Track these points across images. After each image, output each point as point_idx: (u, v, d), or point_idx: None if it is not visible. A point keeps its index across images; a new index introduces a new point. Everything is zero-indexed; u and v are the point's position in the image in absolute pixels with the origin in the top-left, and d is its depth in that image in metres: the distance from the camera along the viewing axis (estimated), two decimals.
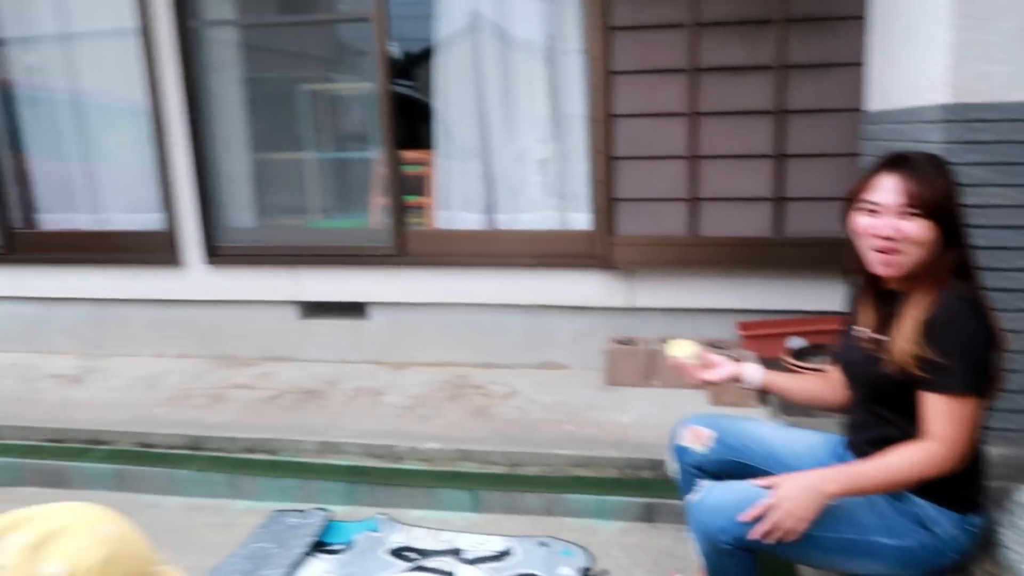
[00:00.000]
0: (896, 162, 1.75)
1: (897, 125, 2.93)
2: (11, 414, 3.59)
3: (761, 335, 3.55)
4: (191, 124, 4.07)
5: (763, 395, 2.14)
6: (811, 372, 2.19)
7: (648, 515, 2.78)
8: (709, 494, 1.78)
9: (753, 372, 2.12)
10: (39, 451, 3.35)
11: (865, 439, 1.86)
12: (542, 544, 2.65)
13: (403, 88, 4.88)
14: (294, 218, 4.55)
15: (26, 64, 4.39)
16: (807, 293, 3.61)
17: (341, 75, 4.86)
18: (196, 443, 3.29)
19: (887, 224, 1.71)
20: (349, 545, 2.70)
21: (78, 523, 1.12)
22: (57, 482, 3.23)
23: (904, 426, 1.75)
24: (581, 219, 3.91)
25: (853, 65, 3.38)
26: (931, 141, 2.55)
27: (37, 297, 4.46)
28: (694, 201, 3.62)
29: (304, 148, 4.44)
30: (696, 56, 3.50)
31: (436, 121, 4.06)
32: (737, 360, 2.17)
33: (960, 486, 1.75)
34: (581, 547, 2.64)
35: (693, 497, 1.81)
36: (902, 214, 1.69)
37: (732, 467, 2.02)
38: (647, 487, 2.85)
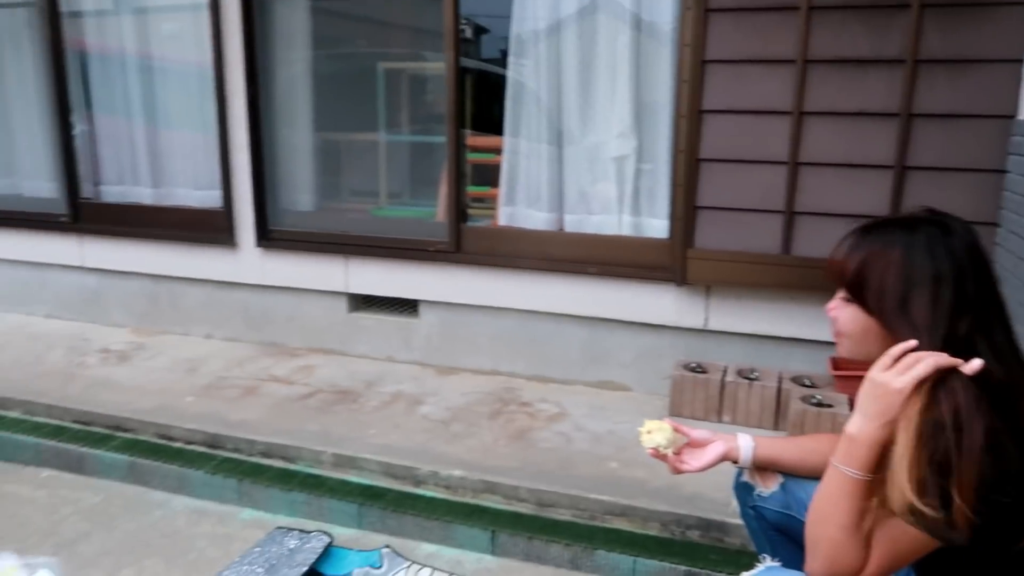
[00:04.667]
0: (851, 232, 1.42)
1: None
2: (46, 390, 3.48)
3: (857, 377, 2.99)
4: (251, 98, 3.86)
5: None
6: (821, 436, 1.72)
7: None
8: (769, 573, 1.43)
9: (747, 447, 1.70)
10: (63, 432, 3.21)
11: None
12: None
13: (479, 65, 4.49)
14: (357, 203, 4.28)
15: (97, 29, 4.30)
16: None
17: (421, 52, 4.52)
18: (214, 441, 3.08)
19: (832, 307, 1.46)
20: None
21: None
22: (76, 468, 3.09)
23: None
24: (657, 226, 3.46)
25: (1007, 62, 2.78)
26: None
27: (100, 268, 4.40)
28: (790, 215, 3.10)
29: (374, 129, 4.14)
30: (807, 45, 2.97)
31: (507, 105, 3.67)
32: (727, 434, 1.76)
33: None
34: None
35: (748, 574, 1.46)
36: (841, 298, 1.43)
37: (792, 523, 1.62)
38: (693, 554, 2.40)
